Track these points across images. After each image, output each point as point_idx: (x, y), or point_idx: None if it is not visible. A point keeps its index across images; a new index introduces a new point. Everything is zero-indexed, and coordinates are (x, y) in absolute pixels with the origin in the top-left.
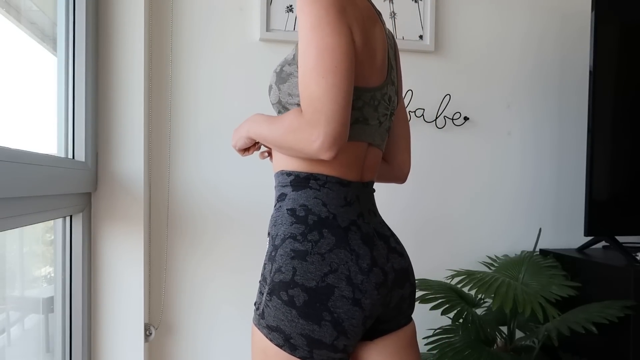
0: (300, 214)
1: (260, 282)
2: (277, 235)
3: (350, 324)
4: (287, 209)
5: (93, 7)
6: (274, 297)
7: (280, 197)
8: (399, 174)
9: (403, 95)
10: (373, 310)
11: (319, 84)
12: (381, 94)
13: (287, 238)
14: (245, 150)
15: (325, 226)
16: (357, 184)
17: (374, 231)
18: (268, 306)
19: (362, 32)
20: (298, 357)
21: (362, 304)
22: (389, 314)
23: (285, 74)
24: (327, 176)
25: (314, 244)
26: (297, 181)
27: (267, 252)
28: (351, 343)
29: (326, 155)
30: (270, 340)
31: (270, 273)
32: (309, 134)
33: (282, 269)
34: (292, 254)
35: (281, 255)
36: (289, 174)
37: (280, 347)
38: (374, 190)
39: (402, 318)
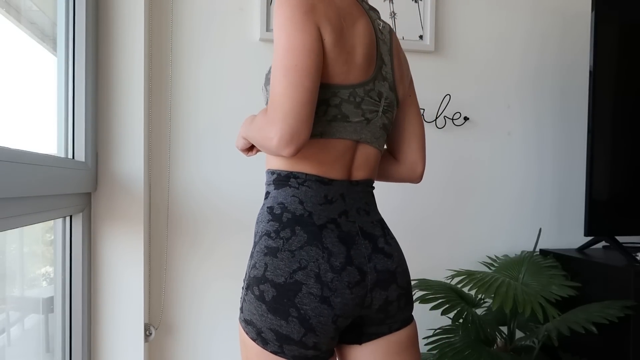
0: (277, 212)
1: (244, 278)
2: (257, 232)
3: (318, 321)
4: (267, 207)
5: (93, 7)
6: (249, 292)
7: (265, 196)
8: (411, 175)
9: None
10: (345, 310)
11: (280, 82)
12: (365, 90)
13: (263, 235)
14: (248, 150)
15: (299, 224)
16: (343, 182)
17: (358, 230)
18: (245, 300)
19: (335, 30)
20: (270, 352)
21: (331, 302)
22: (374, 317)
23: (270, 75)
24: (306, 174)
25: (285, 240)
26: (278, 180)
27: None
28: (322, 341)
29: (285, 152)
30: (247, 333)
31: (249, 269)
32: (268, 131)
33: (257, 264)
34: (265, 251)
35: (257, 252)
36: (272, 172)
37: (254, 340)
38: (371, 189)
39: (393, 322)
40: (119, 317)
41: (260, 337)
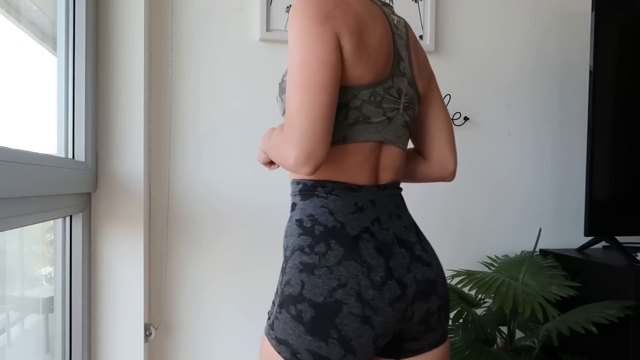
0: (307, 225)
1: (275, 292)
2: (287, 246)
3: (359, 342)
4: (296, 220)
5: (93, 7)
6: (284, 310)
7: (292, 207)
8: (441, 172)
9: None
10: (386, 328)
11: (295, 98)
12: (384, 88)
13: (296, 250)
14: (270, 163)
15: (333, 236)
16: (371, 187)
17: (393, 237)
18: (278, 318)
19: (354, 34)
20: None
21: (373, 322)
22: (415, 330)
23: (284, 84)
24: (334, 182)
25: (321, 256)
26: (304, 190)
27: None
28: None
29: (303, 171)
30: (279, 352)
31: (281, 285)
32: (285, 149)
33: (291, 282)
34: (300, 267)
35: (290, 267)
36: (298, 182)
37: None
38: (399, 191)
39: (433, 336)
40: (119, 317)
41: (295, 358)
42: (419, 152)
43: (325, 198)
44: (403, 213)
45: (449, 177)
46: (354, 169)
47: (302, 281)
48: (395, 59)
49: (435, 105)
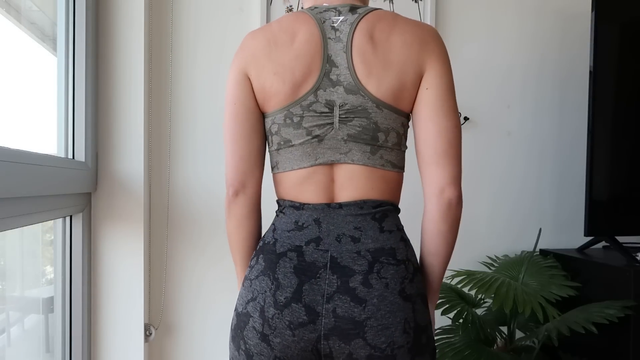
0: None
1: None
2: None
3: (260, 359)
4: None
5: (93, 7)
6: None
7: None
8: (430, 197)
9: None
10: (287, 353)
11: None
12: (302, 107)
13: None
14: None
15: (263, 252)
16: (319, 206)
17: (327, 261)
18: None
19: (261, 61)
20: None
21: (271, 342)
22: None
23: None
24: (284, 200)
25: (250, 269)
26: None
27: None
28: None
29: (230, 194)
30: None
31: None
32: None
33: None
34: (243, 279)
35: None
36: None
37: None
38: (368, 211)
39: None
40: (119, 317)
41: None
42: None
43: (277, 216)
44: (366, 237)
45: (441, 202)
46: (295, 187)
47: (240, 292)
48: (324, 68)
49: (426, 110)
